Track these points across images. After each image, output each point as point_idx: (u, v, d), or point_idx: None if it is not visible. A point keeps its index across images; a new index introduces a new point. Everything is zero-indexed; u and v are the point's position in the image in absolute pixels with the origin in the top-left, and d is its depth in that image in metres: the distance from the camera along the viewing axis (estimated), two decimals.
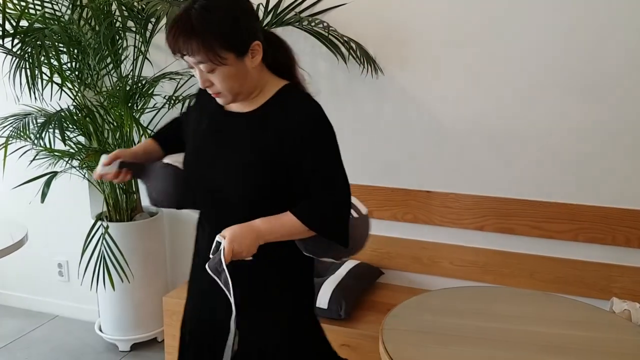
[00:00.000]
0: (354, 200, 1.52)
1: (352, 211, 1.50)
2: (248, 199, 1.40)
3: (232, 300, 1.31)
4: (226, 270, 1.28)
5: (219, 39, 1.30)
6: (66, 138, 2.43)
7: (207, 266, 1.30)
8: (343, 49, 2.50)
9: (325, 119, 1.41)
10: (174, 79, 2.62)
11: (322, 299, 2.37)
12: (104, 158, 1.55)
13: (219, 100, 1.41)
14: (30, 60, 2.08)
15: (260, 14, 2.54)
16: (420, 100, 2.52)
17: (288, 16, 2.52)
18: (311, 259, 1.55)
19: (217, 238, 1.32)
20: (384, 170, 2.65)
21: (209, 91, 1.38)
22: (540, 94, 2.35)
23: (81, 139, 2.67)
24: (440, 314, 1.65)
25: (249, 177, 1.39)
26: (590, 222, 2.34)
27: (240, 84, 1.37)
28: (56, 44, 2.21)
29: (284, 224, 1.38)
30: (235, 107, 1.46)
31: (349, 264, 2.61)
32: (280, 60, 1.46)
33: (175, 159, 1.56)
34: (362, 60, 2.47)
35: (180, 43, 1.30)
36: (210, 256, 1.32)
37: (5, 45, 2.33)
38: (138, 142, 2.69)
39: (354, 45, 2.45)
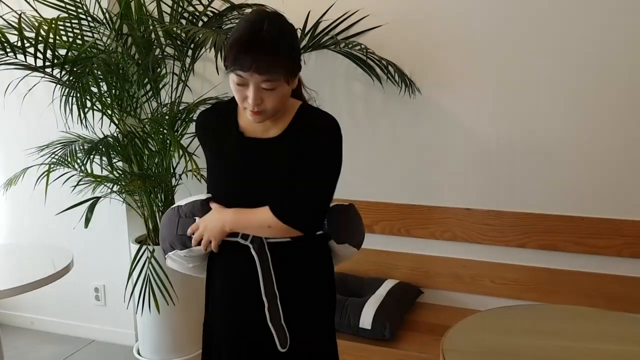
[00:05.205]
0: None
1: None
2: None
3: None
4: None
5: (294, 60, 1.41)
6: (110, 164, 2.47)
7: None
8: (379, 71, 2.53)
9: (339, 132, 1.51)
10: (212, 104, 2.65)
11: (365, 320, 2.37)
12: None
13: (255, 118, 1.45)
14: (80, 88, 2.13)
15: None
16: (459, 118, 2.54)
17: (324, 39, 2.56)
18: (333, 267, 1.66)
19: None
20: (422, 188, 2.66)
21: (255, 108, 1.42)
22: (582, 109, 2.37)
23: (119, 164, 2.70)
24: (499, 333, 1.64)
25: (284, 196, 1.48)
26: (635, 237, 2.33)
27: (284, 103, 1.47)
28: (104, 72, 2.26)
29: (253, 218, 1.48)
30: (258, 133, 1.51)
31: (388, 284, 2.61)
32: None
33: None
34: (399, 82, 2.49)
35: (263, 62, 1.35)
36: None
37: (50, 74, 2.38)
38: (176, 166, 2.72)
39: (391, 69, 2.48)
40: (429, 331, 2.41)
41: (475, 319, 1.78)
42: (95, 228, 2.96)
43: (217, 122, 1.57)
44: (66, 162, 2.44)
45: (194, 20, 2.57)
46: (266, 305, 1.50)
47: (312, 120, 1.51)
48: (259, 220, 1.47)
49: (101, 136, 2.56)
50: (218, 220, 1.51)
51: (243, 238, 1.52)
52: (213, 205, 1.54)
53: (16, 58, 2.23)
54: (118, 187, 2.65)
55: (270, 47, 1.35)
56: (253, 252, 1.50)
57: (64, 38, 2.49)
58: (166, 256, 1.64)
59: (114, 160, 2.61)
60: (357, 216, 1.72)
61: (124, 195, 2.78)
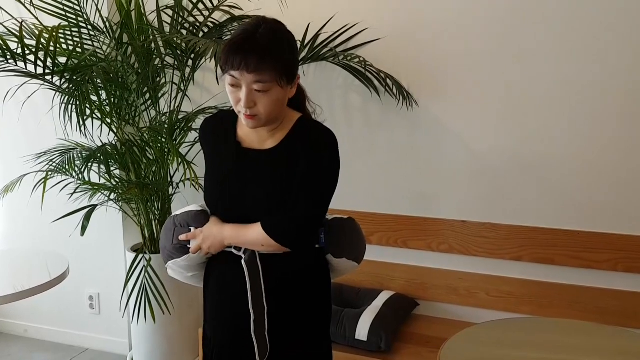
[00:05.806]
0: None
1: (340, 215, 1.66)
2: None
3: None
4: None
5: (286, 63, 1.40)
6: (108, 172, 2.47)
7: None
8: (377, 83, 2.55)
9: (336, 148, 1.50)
10: (212, 113, 2.67)
11: (362, 331, 2.36)
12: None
13: (249, 123, 1.44)
14: (80, 97, 2.14)
15: None
16: (455, 131, 2.56)
17: (324, 51, 2.58)
18: (329, 281, 1.65)
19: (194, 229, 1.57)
20: (419, 200, 2.66)
21: (248, 112, 1.41)
22: (580, 124, 2.38)
23: (117, 172, 2.71)
24: (496, 346, 1.65)
25: (278, 208, 1.47)
26: (630, 252, 2.34)
27: (279, 111, 1.46)
28: (103, 81, 2.27)
29: (249, 234, 1.48)
30: (255, 144, 1.52)
31: (384, 295, 2.61)
32: (296, 94, 1.53)
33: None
34: (396, 95, 2.51)
35: (252, 60, 1.35)
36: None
37: (50, 82, 2.39)
38: (174, 175, 2.73)
39: (389, 81, 2.50)
40: (425, 343, 2.41)
41: (471, 332, 1.79)
42: (92, 236, 2.96)
43: (217, 129, 1.59)
44: (64, 170, 2.44)
45: (195, 31, 2.59)
46: (252, 317, 1.51)
47: (309, 134, 1.50)
48: (253, 238, 1.48)
49: (99, 144, 2.57)
50: (218, 234, 1.52)
51: (236, 249, 1.53)
52: (212, 218, 1.56)
53: (16, 65, 2.24)
54: (115, 195, 2.66)
55: (260, 47, 1.36)
56: (243, 264, 1.51)
57: (64, 46, 2.50)
58: (166, 266, 1.66)
59: (112, 168, 2.62)
60: (356, 230, 1.70)
61: (120, 204, 2.78)
